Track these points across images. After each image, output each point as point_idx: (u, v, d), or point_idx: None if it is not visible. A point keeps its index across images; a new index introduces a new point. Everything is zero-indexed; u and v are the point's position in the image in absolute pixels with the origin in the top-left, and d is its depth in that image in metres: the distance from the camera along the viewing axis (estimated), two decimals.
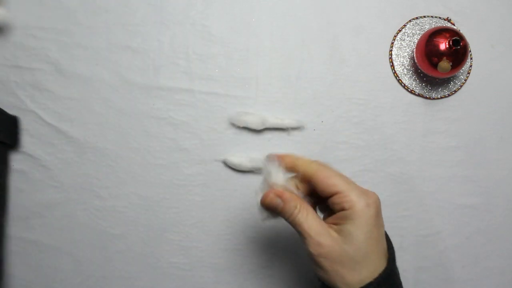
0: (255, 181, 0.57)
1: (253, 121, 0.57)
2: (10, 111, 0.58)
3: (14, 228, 0.56)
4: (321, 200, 0.42)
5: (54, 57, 0.59)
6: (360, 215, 0.37)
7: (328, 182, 0.39)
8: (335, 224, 0.39)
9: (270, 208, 0.41)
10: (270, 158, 0.42)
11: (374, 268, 0.38)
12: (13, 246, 0.56)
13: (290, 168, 0.42)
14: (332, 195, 0.39)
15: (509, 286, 0.58)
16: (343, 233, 0.38)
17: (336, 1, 0.61)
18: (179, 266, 0.56)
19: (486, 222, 0.59)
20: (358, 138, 0.59)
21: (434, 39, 0.55)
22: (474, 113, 0.60)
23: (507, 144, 0.60)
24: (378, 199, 0.40)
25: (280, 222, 0.57)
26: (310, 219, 0.39)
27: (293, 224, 0.40)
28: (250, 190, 0.57)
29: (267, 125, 0.57)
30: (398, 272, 0.41)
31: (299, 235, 0.40)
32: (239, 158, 0.56)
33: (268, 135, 0.58)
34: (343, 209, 0.38)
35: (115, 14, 0.60)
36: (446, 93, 0.60)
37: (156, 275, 0.55)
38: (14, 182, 0.57)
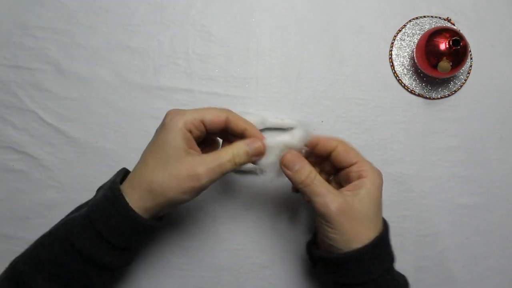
0: (255, 181, 0.57)
1: (253, 121, 0.56)
2: (10, 111, 0.58)
3: (14, 228, 0.56)
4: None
5: (54, 57, 0.59)
6: (374, 182, 0.43)
7: (348, 154, 0.45)
8: (349, 190, 0.43)
9: (288, 167, 0.43)
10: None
11: (379, 228, 0.43)
12: (13, 246, 0.56)
13: (314, 145, 0.46)
14: (351, 165, 0.45)
15: (509, 286, 0.58)
16: (359, 196, 0.42)
17: (336, 1, 0.61)
18: (179, 266, 0.56)
19: (486, 222, 0.58)
20: (358, 138, 0.59)
21: (434, 39, 0.55)
22: (474, 113, 0.60)
23: (507, 144, 0.60)
24: (382, 175, 0.46)
25: (280, 223, 0.57)
26: (326, 183, 0.43)
27: (311, 187, 0.42)
28: (251, 190, 0.57)
29: (267, 125, 0.57)
30: (390, 241, 0.46)
31: (315, 200, 0.42)
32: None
33: (268, 135, 0.58)
34: (360, 177, 0.44)
35: (115, 14, 0.60)
36: (446, 93, 0.60)
37: (156, 275, 0.55)
38: (14, 182, 0.57)
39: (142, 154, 0.45)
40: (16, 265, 0.43)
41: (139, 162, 0.45)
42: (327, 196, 0.41)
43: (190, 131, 0.43)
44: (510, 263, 0.58)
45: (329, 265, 0.44)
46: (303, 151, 0.46)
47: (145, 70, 0.59)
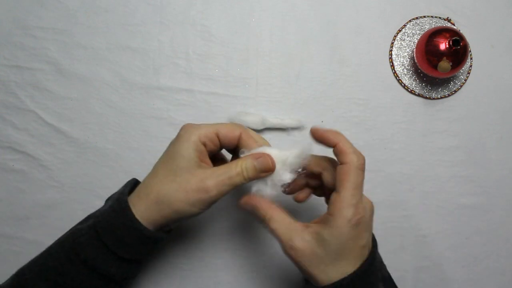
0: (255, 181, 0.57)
1: (253, 121, 0.56)
2: (10, 111, 0.58)
3: (14, 228, 0.56)
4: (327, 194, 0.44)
5: (54, 57, 0.59)
6: (343, 219, 0.39)
7: (333, 179, 0.42)
8: (318, 223, 0.40)
9: (245, 210, 0.43)
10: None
11: (344, 269, 0.39)
12: (13, 246, 0.56)
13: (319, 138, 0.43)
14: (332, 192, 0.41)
15: (509, 286, 0.58)
16: (318, 237, 0.39)
17: (336, 1, 0.61)
18: (179, 266, 0.56)
19: (486, 222, 0.58)
20: (358, 138, 0.59)
21: (434, 39, 0.55)
22: (474, 113, 0.60)
23: (507, 144, 0.60)
24: (372, 206, 0.42)
25: None
26: (282, 225, 0.41)
27: (268, 230, 0.42)
28: (251, 190, 0.57)
29: (267, 125, 0.57)
30: (372, 277, 0.41)
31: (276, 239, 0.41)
32: None
33: (268, 135, 0.58)
34: (328, 212, 0.40)
35: (115, 14, 0.60)
36: (446, 93, 0.60)
37: (156, 275, 0.55)
38: (14, 182, 0.57)
39: (154, 165, 0.44)
40: (21, 272, 0.43)
41: (150, 173, 0.44)
42: (280, 240, 0.41)
43: (204, 144, 0.43)
44: (510, 263, 0.58)
45: None
46: (300, 170, 0.44)
47: (145, 70, 0.59)
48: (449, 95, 0.60)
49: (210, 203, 0.42)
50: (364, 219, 0.40)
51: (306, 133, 0.58)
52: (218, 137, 0.43)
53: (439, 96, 0.60)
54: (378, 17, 0.61)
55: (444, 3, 0.61)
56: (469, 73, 0.61)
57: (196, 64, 0.59)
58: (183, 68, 0.59)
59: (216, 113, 0.58)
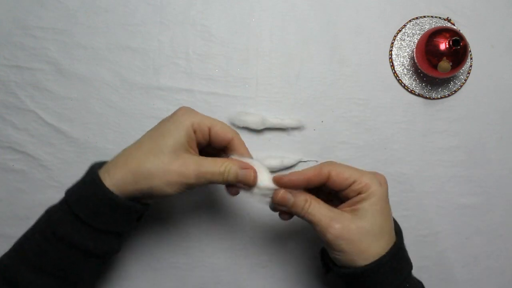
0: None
1: (253, 121, 0.56)
2: (10, 111, 0.58)
3: (14, 228, 0.56)
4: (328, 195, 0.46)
5: (54, 57, 0.59)
6: (375, 193, 0.41)
7: (343, 176, 0.42)
8: (350, 207, 0.42)
9: (281, 204, 0.43)
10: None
11: (388, 241, 0.41)
12: None
13: (302, 184, 0.43)
14: (349, 186, 0.42)
15: (509, 286, 0.58)
16: (359, 212, 0.41)
17: (336, 1, 0.61)
18: (179, 266, 0.56)
19: (486, 222, 0.58)
20: (358, 138, 0.59)
21: (434, 39, 0.55)
22: (474, 113, 0.60)
23: (507, 144, 0.60)
24: (386, 178, 0.44)
25: (280, 223, 0.57)
26: (322, 209, 0.42)
27: (306, 216, 0.42)
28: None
29: (267, 125, 0.57)
30: (406, 253, 0.45)
31: (314, 226, 0.42)
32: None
33: (268, 135, 0.58)
34: (360, 193, 0.42)
35: (115, 14, 0.60)
36: (446, 93, 0.60)
37: (156, 275, 0.55)
38: (14, 182, 0.57)
39: (141, 137, 0.44)
40: (0, 261, 0.42)
41: (132, 144, 0.44)
42: (322, 224, 0.41)
43: (195, 132, 0.43)
44: (510, 263, 0.58)
45: (343, 277, 0.43)
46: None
47: (145, 70, 0.59)
48: (449, 95, 0.60)
49: (185, 189, 0.41)
50: (386, 181, 0.44)
51: (306, 133, 0.58)
52: (209, 131, 0.44)
53: (439, 96, 0.60)
54: (378, 17, 0.61)
55: (444, 3, 0.61)
56: (469, 73, 0.61)
57: (196, 64, 0.59)
58: (183, 68, 0.59)
59: (216, 113, 0.58)
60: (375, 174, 0.43)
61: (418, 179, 0.59)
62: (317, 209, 0.42)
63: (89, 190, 0.41)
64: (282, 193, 0.43)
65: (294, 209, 0.42)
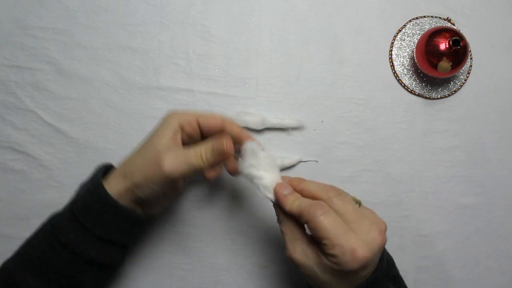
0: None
1: (253, 121, 0.56)
2: (10, 111, 0.58)
3: (14, 228, 0.56)
4: None
5: (54, 57, 0.59)
6: (340, 264, 0.36)
7: (318, 233, 0.37)
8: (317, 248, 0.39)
9: (294, 213, 0.40)
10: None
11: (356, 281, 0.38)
12: (13, 246, 0.56)
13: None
14: (321, 240, 0.37)
15: (509, 286, 0.58)
16: (320, 261, 0.38)
17: (336, 1, 0.61)
18: (179, 266, 0.56)
19: (486, 222, 0.58)
20: (358, 138, 0.59)
21: (434, 39, 0.55)
22: (474, 113, 0.60)
23: (507, 144, 0.60)
24: (382, 241, 0.38)
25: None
26: (290, 231, 0.41)
27: (279, 225, 0.41)
28: (250, 190, 0.57)
29: (267, 125, 0.57)
30: (383, 274, 0.41)
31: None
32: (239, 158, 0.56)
33: (268, 135, 0.58)
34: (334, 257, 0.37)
35: (115, 14, 0.60)
36: (446, 93, 0.60)
37: (156, 275, 0.55)
38: (14, 182, 0.57)
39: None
40: (5, 266, 0.43)
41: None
42: (285, 241, 0.40)
43: (182, 127, 0.44)
44: (510, 263, 0.58)
45: None
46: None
47: (145, 70, 0.59)
48: (449, 95, 0.60)
49: (164, 180, 0.41)
50: (369, 254, 0.37)
51: (306, 133, 0.58)
52: (198, 123, 0.44)
53: (439, 96, 0.60)
54: (378, 17, 0.61)
55: (444, 3, 0.61)
56: (469, 73, 0.61)
57: (196, 64, 0.59)
58: (183, 68, 0.59)
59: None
60: (354, 248, 0.36)
61: (418, 179, 0.59)
62: (289, 229, 0.40)
63: (93, 198, 0.42)
64: (278, 185, 0.42)
65: (304, 216, 0.39)
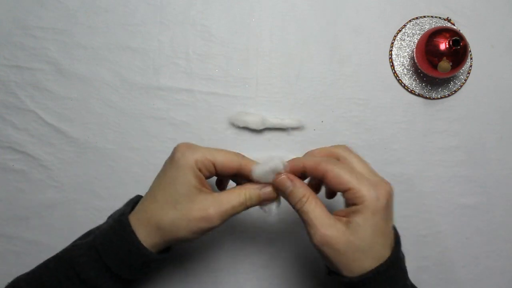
0: None
1: (253, 121, 0.56)
2: (10, 111, 0.58)
3: (14, 228, 0.56)
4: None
5: (54, 57, 0.59)
6: (369, 208, 0.38)
7: (338, 181, 0.39)
8: (345, 216, 0.40)
9: (279, 189, 0.42)
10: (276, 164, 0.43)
11: (378, 258, 0.39)
12: (13, 246, 0.56)
13: (299, 170, 0.42)
14: (344, 191, 0.40)
15: (509, 286, 0.58)
16: (351, 226, 0.38)
17: (336, 1, 0.61)
18: (179, 266, 0.56)
19: (486, 222, 0.58)
20: (358, 138, 0.59)
21: (434, 39, 0.55)
22: (474, 113, 0.60)
23: (507, 144, 0.60)
24: (390, 189, 0.40)
25: (280, 222, 0.57)
26: (317, 210, 0.40)
27: (300, 212, 0.40)
28: None
29: (267, 125, 0.57)
30: (402, 264, 0.42)
31: (304, 224, 0.40)
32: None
33: (268, 135, 0.58)
34: (354, 204, 0.39)
35: (115, 14, 0.60)
36: (446, 93, 0.60)
37: (156, 275, 0.55)
38: (14, 182, 0.57)
39: (151, 187, 0.43)
40: (17, 284, 0.42)
41: (147, 195, 0.43)
42: (312, 226, 0.39)
43: (200, 170, 0.41)
44: (510, 263, 0.58)
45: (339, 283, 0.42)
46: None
47: (145, 70, 0.59)
48: (449, 95, 0.60)
49: (211, 230, 0.41)
50: (390, 193, 0.40)
51: (306, 133, 0.58)
52: (214, 165, 0.42)
53: (439, 96, 0.60)
54: (378, 17, 0.61)
55: (444, 3, 0.61)
56: (469, 73, 0.61)
57: (196, 64, 0.59)
58: (183, 68, 0.59)
59: (216, 113, 0.58)
60: (376, 186, 0.39)
61: (418, 179, 0.59)
62: (312, 209, 0.40)
63: (121, 242, 0.41)
64: (282, 177, 0.41)
65: (291, 198, 0.41)
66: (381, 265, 0.38)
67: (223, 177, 0.46)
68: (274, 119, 0.57)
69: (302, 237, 0.56)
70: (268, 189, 0.42)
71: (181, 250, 0.56)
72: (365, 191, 0.38)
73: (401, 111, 0.59)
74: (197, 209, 0.40)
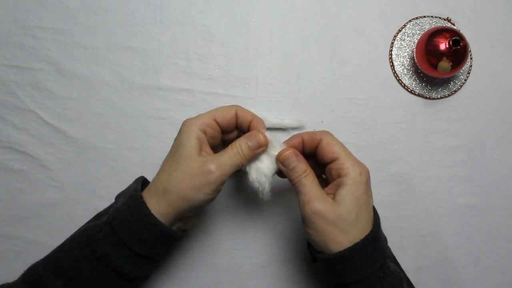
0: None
1: None
2: (10, 111, 0.58)
3: (14, 228, 0.56)
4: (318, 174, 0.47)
5: (54, 57, 0.59)
6: (354, 181, 0.42)
7: (330, 149, 0.44)
8: (332, 192, 0.43)
9: (284, 163, 0.44)
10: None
11: (362, 230, 0.42)
12: (13, 246, 0.56)
13: (297, 146, 0.46)
14: (331, 161, 0.44)
15: (509, 286, 0.58)
16: (337, 198, 0.42)
17: (336, 1, 0.61)
18: (179, 266, 0.56)
19: (486, 222, 0.58)
20: (358, 138, 0.59)
21: (434, 39, 0.55)
22: (474, 113, 0.60)
23: (507, 144, 0.60)
24: (368, 171, 0.44)
25: (280, 223, 0.57)
26: (314, 185, 0.43)
27: (298, 184, 0.43)
28: (250, 190, 0.57)
29: (267, 125, 0.57)
30: (384, 237, 0.45)
31: (299, 196, 0.43)
32: None
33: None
34: (339, 176, 0.43)
35: (115, 14, 0.60)
36: (446, 93, 0.60)
37: (156, 275, 0.55)
38: (14, 182, 0.57)
39: (162, 162, 0.46)
40: (35, 269, 0.43)
41: (158, 171, 0.45)
42: (306, 196, 0.42)
43: (205, 132, 0.44)
44: (510, 263, 0.58)
45: (323, 263, 0.44)
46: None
47: (145, 70, 0.59)
48: (449, 95, 0.60)
49: (215, 186, 0.42)
50: (369, 173, 0.44)
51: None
52: (216, 121, 0.45)
53: (439, 96, 0.60)
54: (378, 17, 0.61)
55: (444, 3, 0.61)
56: (469, 73, 0.61)
57: (196, 64, 0.59)
58: (183, 68, 0.59)
59: None
60: (359, 164, 0.44)
61: (418, 179, 0.59)
62: (310, 183, 0.43)
63: (135, 215, 0.42)
64: (289, 152, 0.44)
65: (292, 172, 0.44)
66: (363, 239, 0.41)
67: (229, 131, 0.48)
68: (274, 119, 0.57)
69: (302, 237, 0.56)
70: (253, 137, 0.45)
71: (181, 250, 0.56)
72: (350, 164, 0.43)
73: (401, 111, 0.59)
74: (198, 166, 0.42)
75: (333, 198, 0.42)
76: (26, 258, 0.56)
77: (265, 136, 0.45)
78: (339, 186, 0.43)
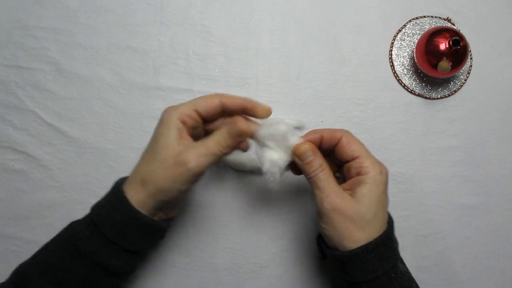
0: (255, 181, 0.57)
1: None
2: (10, 111, 0.58)
3: (14, 228, 0.56)
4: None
5: (54, 57, 0.59)
6: (374, 180, 0.42)
7: (351, 147, 0.44)
8: (349, 189, 0.43)
9: (300, 157, 0.43)
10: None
11: (378, 229, 0.42)
12: (13, 246, 0.56)
13: (315, 142, 0.45)
14: (351, 159, 0.44)
15: (509, 286, 0.58)
16: (356, 195, 0.42)
17: (336, 1, 0.61)
18: (179, 266, 0.56)
19: (486, 222, 0.58)
20: (358, 138, 0.58)
21: (434, 39, 0.55)
22: (474, 113, 0.60)
23: (507, 144, 0.60)
24: (388, 171, 0.44)
25: (280, 223, 0.57)
26: (330, 179, 0.42)
27: (314, 179, 0.43)
28: (250, 190, 0.57)
29: None
30: (396, 239, 0.45)
31: (316, 192, 0.42)
32: (240, 158, 0.56)
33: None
34: (359, 174, 0.43)
35: (115, 14, 0.60)
36: (446, 93, 0.60)
37: (156, 275, 0.55)
38: (14, 182, 0.57)
39: (142, 153, 0.45)
40: (21, 270, 0.43)
41: (138, 160, 0.45)
42: (324, 192, 0.41)
43: (184, 122, 0.43)
44: (510, 263, 0.58)
45: (334, 260, 0.44)
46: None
47: (145, 70, 0.59)
48: (449, 95, 0.60)
49: (190, 177, 0.41)
50: (387, 173, 0.44)
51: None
52: (197, 111, 0.44)
53: (439, 96, 0.60)
54: (378, 17, 0.61)
55: (444, 3, 0.61)
56: (469, 73, 0.61)
57: (196, 64, 0.59)
58: (183, 68, 0.59)
59: None
60: (379, 163, 0.44)
61: (418, 179, 0.59)
62: (326, 177, 0.42)
63: (116, 211, 0.42)
64: (306, 146, 0.43)
65: (308, 167, 0.43)
66: (379, 237, 0.41)
67: (212, 119, 0.46)
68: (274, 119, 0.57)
69: (302, 237, 0.56)
70: (233, 123, 0.42)
71: (181, 250, 0.56)
72: (370, 163, 0.43)
73: (401, 111, 0.59)
74: (173, 155, 0.41)
75: (351, 195, 0.42)
76: (26, 258, 0.56)
77: (246, 123, 0.43)
78: (358, 184, 0.42)
